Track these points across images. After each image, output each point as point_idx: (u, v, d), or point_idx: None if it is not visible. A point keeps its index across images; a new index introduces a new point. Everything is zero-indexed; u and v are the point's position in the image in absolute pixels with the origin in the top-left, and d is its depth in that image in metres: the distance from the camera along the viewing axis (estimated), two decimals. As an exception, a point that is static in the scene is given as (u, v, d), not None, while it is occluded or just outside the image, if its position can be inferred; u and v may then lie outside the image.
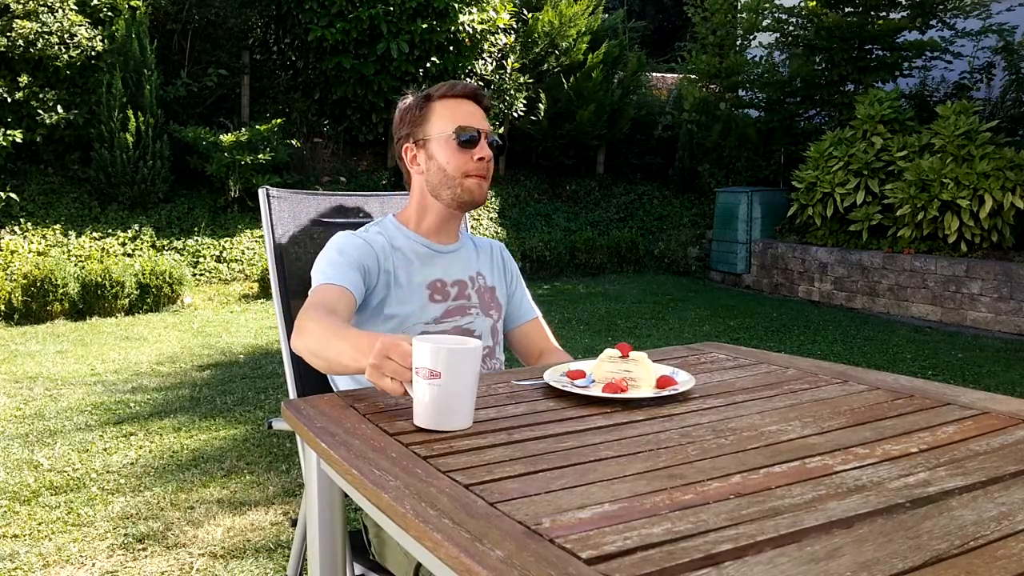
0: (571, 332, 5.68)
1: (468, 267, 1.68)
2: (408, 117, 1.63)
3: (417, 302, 1.58)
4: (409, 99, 1.66)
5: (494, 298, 1.70)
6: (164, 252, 7.07)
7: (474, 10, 8.51)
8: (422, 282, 1.60)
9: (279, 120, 7.91)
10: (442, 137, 1.58)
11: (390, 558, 1.36)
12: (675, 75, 11.68)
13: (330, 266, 1.53)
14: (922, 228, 6.60)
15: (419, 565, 1.27)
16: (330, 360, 1.29)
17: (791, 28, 8.60)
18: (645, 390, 1.16)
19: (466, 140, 1.57)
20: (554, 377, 1.21)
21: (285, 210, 1.75)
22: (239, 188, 7.74)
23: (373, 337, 1.17)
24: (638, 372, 1.18)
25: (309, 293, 1.50)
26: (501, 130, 8.96)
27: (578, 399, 1.13)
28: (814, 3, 8.22)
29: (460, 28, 8.36)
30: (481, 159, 1.58)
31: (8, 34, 6.68)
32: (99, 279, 6.10)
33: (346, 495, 1.04)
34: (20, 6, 6.75)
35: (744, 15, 9.09)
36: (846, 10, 8.15)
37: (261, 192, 1.73)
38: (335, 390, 1.56)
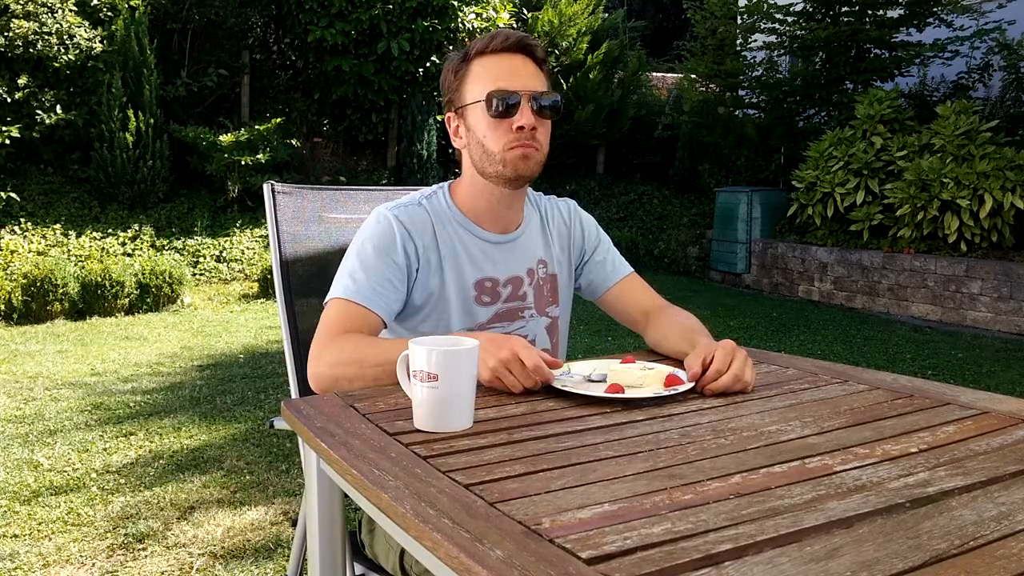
0: (571, 332, 5.67)
1: (528, 256, 1.44)
2: (447, 82, 1.36)
3: (457, 303, 1.36)
4: (452, 58, 1.37)
5: (555, 288, 1.48)
6: (164, 252, 7.07)
7: (473, 8, 8.51)
8: (468, 281, 1.37)
9: (278, 119, 7.91)
10: (477, 105, 1.31)
11: (380, 552, 1.34)
12: (675, 75, 11.68)
13: (352, 278, 1.30)
14: (922, 228, 6.59)
15: (403, 552, 1.25)
16: (367, 363, 1.16)
17: (788, 29, 8.60)
18: (645, 390, 1.16)
19: (501, 109, 1.28)
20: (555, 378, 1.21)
21: (290, 206, 1.69)
22: (239, 188, 7.75)
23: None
24: (651, 375, 1.21)
25: (324, 311, 1.29)
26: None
27: (578, 399, 1.13)
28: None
29: (460, 26, 8.36)
30: (521, 128, 1.29)
31: (7, 34, 6.68)
32: (99, 279, 6.10)
33: (346, 495, 1.04)
34: (19, 6, 6.75)
35: (744, 15, 9.09)
36: (842, 9, 8.14)
37: (266, 187, 1.67)
38: None
